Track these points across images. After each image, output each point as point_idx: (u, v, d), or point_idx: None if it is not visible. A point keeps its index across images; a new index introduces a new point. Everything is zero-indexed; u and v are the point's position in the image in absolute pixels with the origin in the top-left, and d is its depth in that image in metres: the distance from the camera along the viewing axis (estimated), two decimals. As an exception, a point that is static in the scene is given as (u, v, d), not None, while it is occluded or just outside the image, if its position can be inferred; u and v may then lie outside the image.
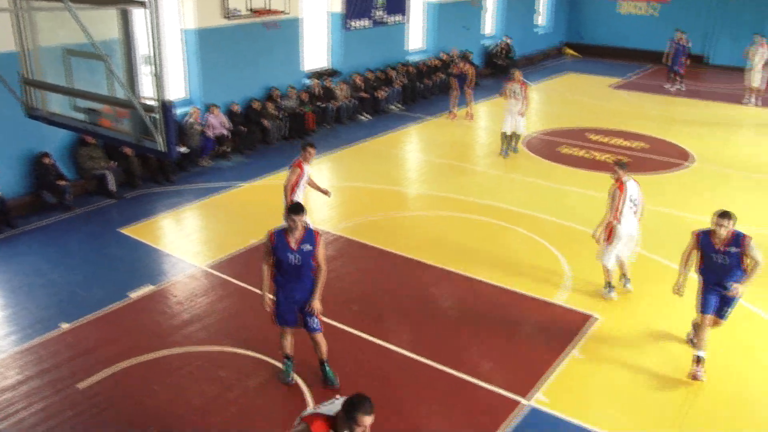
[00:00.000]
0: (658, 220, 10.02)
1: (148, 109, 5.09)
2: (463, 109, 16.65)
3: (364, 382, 6.37)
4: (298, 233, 5.86)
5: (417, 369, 6.71)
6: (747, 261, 6.31)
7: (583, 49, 26.31)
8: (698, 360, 6.54)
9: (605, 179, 12.20)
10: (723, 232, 6.24)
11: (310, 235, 5.92)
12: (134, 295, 7.98)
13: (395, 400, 6.16)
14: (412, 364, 6.78)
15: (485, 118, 17.24)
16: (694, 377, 6.49)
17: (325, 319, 6.68)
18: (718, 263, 6.39)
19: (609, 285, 8.08)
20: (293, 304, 6.08)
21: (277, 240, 5.86)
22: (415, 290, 8.34)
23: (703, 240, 6.42)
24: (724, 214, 6.22)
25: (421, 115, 17.10)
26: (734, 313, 6.75)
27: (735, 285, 6.26)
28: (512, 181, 12.54)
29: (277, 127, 14.46)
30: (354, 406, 3.76)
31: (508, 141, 13.75)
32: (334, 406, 3.95)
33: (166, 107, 4.99)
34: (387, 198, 11.47)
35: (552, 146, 14.62)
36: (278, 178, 12.27)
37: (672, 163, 13.54)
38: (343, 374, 6.44)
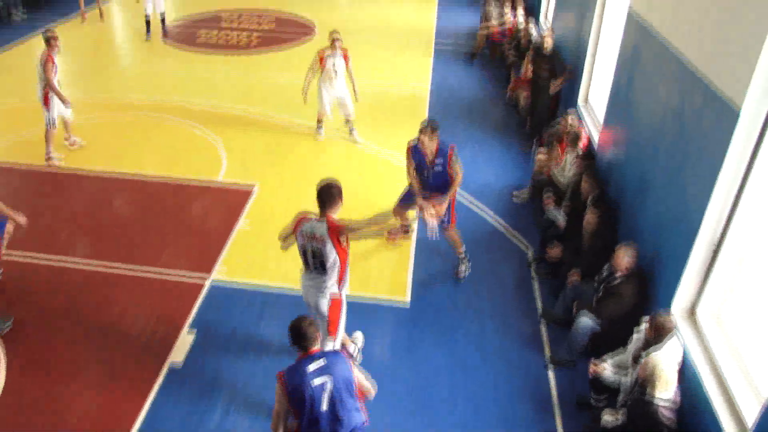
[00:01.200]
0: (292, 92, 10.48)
1: None
2: (93, 9, 15.85)
3: (53, 303, 6.50)
4: None
5: (104, 277, 6.93)
6: (451, 170, 6.37)
7: None
8: (405, 229, 7.53)
9: (245, 60, 13.08)
10: (431, 144, 6.14)
11: None
12: None
13: (86, 310, 6.41)
14: (98, 273, 6.97)
15: (117, 16, 16.74)
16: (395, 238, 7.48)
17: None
18: (429, 181, 6.41)
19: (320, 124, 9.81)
20: None
21: None
22: (82, 202, 8.36)
23: (415, 154, 6.37)
24: (430, 126, 6.10)
25: (49, 22, 15.35)
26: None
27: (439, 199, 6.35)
28: (157, 73, 12.65)
29: None
30: None
31: (150, 23, 14.20)
32: None
33: None
34: (26, 115, 10.52)
35: (190, 33, 15.00)
36: None
37: (300, 35, 15.01)
38: (21, 298, 6.51)
